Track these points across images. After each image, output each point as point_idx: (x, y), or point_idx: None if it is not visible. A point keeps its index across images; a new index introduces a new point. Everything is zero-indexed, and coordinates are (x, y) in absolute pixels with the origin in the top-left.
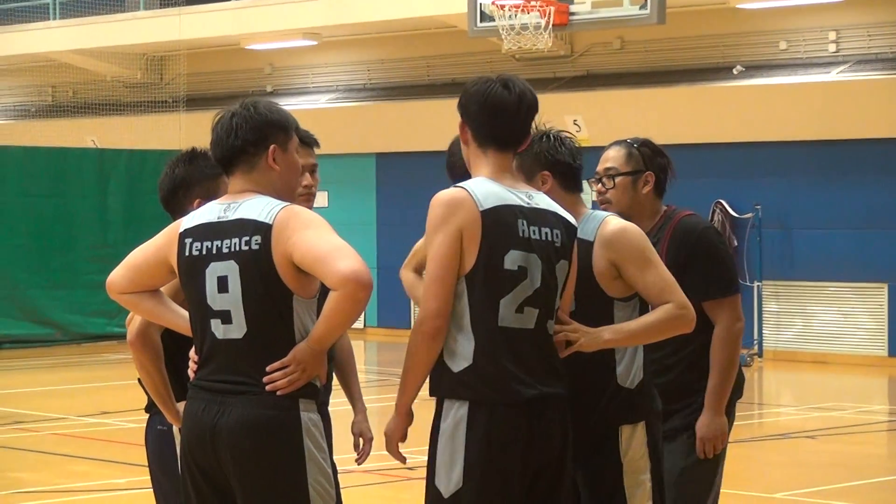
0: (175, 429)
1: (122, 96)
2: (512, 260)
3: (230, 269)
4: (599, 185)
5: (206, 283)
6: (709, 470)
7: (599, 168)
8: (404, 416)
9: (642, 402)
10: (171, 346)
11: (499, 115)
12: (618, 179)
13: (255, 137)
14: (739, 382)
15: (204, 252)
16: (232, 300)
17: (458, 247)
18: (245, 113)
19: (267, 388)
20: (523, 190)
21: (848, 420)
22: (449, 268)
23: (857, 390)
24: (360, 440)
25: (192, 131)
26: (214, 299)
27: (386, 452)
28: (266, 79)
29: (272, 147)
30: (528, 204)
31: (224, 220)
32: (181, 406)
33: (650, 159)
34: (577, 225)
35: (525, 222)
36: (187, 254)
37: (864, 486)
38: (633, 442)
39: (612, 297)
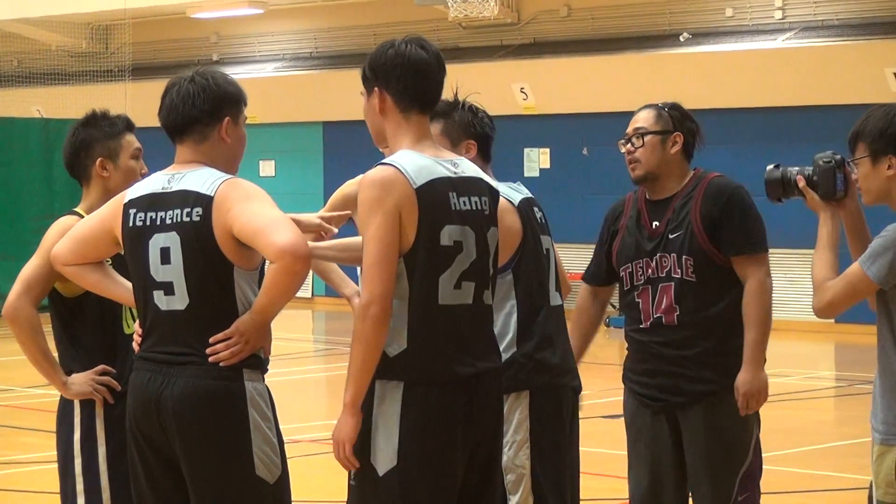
0: (76, 400)
1: (68, 66)
2: (448, 235)
3: (172, 240)
4: (629, 144)
5: (149, 254)
6: (747, 431)
7: (629, 129)
8: (357, 415)
9: (512, 373)
10: (66, 314)
11: (423, 76)
12: (647, 138)
13: (211, 109)
14: None
15: (147, 223)
16: (174, 272)
17: (397, 227)
18: (203, 83)
19: (210, 359)
20: (447, 158)
21: (795, 386)
22: (391, 249)
23: (803, 357)
24: None
25: (137, 101)
26: (157, 270)
27: (333, 422)
28: (212, 47)
29: (226, 120)
30: (456, 173)
31: (168, 190)
32: (73, 378)
33: (679, 121)
34: (497, 189)
35: (455, 194)
36: (131, 224)
37: (812, 451)
38: (508, 408)
39: None
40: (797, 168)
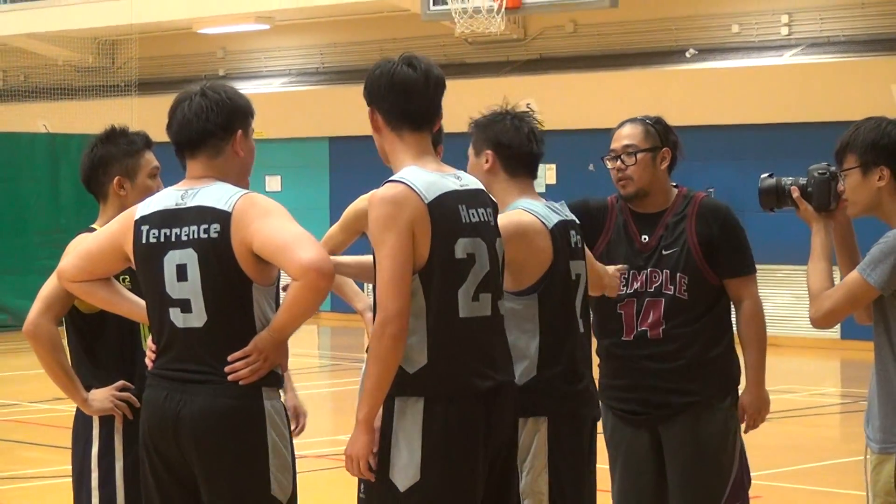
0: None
1: (74, 80)
2: (462, 248)
3: (189, 257)
4: (618, 161)
5: (164, 271)
6: (732, 446)
7: (615, 146)
8: (371, 431)
9: (531, 398)
10: (85, 330)
11: (408, 94)
12: (639, 156)
13: (225, 122)
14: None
15: (162, 239)
16: (191, 289)
17: (411, 242)
18: (215, 97)
19: (229, 377)
20: (450, 172)
21: (801, 403)
22: (406, 266)
23: (809, 373)
24: (296, 414)
25: (144, 116)
26: (173, 288)
27: (338, 437)
28: (219, 63)
29: (238, 133)
30: (461, 187)
31: (182, 206)
32: (93, 394)
33: (664, 136)
34: (507, 199)
35: (465, 207)
36: (144, 241)
37: (818, 468)
38: (526, 432)
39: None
40: (791, 178)
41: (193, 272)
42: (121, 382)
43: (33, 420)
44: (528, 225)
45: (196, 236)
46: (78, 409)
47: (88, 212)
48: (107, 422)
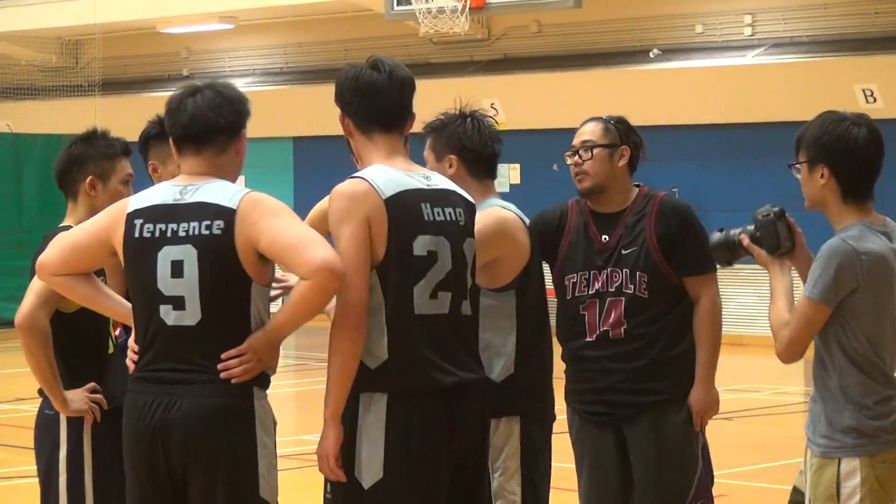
0: (62, 416)
1: (37, 80)
2: (421, 245)
3: (187, 253)
4: (576, 157)
5: (157, 266)
6: (695, 444)
7: (575, 141)
8: (338, 427)
9: (507, 397)
10: (63, 337)
11: (373, 97)
12: (595, 151)
13: (235, 120)
14: None
15: (157, 234)
16: (187, 286)
17: (367, 235)
18: (230, 94)
19: (221, 375)
20: (419, 172)
21: (764, 401)
22: (363, 256)
23: (773, 372)
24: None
25: (107, 115)
26: (166, 284)
27: (303, 437)
28: (182, 63)
29: (242, 132)
30: (428, 186)
31: (181, 202)
32: (70, 394)
33: (625, 135)
34: (474, 202)
35: (428, 205)
36: (137, 235)
37: (781, 466)
38: (499, 434)
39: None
40: (739, 228)
41: (191, 269)
42: (92, 384)
43: None
44: (510, 221)
45: (196, 232)
46: (40, 410)
47: (52, 212)
48: (75, 424)
